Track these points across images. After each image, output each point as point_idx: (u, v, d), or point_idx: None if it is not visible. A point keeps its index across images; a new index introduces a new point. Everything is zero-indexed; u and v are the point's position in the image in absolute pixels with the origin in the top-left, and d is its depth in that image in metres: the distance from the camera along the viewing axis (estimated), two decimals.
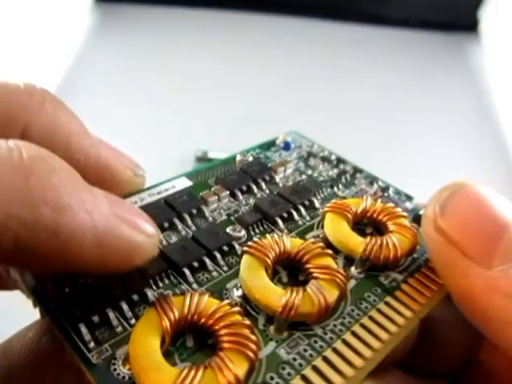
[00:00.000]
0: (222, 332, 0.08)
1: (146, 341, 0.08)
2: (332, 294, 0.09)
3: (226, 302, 0.09)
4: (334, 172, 0.14)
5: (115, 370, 0.08)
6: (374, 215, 0.11)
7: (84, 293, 0.09)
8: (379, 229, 0.11)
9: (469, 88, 0.43)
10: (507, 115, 0.40)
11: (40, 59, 0.46)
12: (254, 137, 0.38)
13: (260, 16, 0.50)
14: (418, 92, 0.43)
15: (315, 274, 0.10)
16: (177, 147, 0.36)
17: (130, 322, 0.09)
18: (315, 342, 0.09)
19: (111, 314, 0.09)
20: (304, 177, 0.13)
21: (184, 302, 0.09)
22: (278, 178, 0.13)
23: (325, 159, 0.14)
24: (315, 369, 0.08)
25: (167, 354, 0.08)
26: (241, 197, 0.12)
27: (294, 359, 0.08)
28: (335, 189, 0.13)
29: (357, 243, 0.10)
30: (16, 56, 0.46)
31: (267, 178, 0.13)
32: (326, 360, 0.09)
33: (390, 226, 0.11)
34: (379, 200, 0.12)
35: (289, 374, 0.08)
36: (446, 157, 0.39)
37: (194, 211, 0.11)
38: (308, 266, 0.10)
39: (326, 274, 0.09)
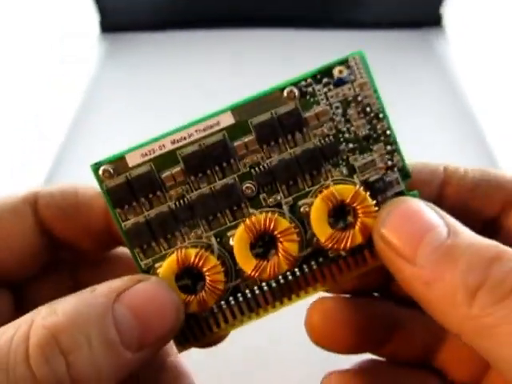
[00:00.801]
0: None
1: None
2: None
3: None
4: (362, 132, 0.15)
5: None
6: (351, 208, 0.15)
7: None
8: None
9: (438, 78, 0.47)
10: (476, 102, 0.45)
11: (50, 96, 0.46)
12: None
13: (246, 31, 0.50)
14: (391, 87, 0.35)
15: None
16: None
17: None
18: None
19: None
20: (332, 133, 0.15)
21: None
22: (308, 133, 0.15)
23: (364, 111, 0.15)
24: None
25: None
26: (267, 151, 0.15)
27: None
28: (350, 159, 0.15)
29: (321, 234, 0.15)
30: (25, 94, 0.46)
31: (298, 133, 0.14)
32: None
33: (357, 222, 0.15)
34: (367, 192, 0.14)
35: None
36: (420, 151, 0.36)
37: (224, 164, 0.14)
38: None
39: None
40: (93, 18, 0.52)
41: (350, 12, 0.51)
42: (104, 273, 0.16)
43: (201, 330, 0.15)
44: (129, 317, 0.13)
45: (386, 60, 0.47)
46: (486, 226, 0.16)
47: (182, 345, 0.15)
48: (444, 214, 0.13)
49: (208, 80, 0.47)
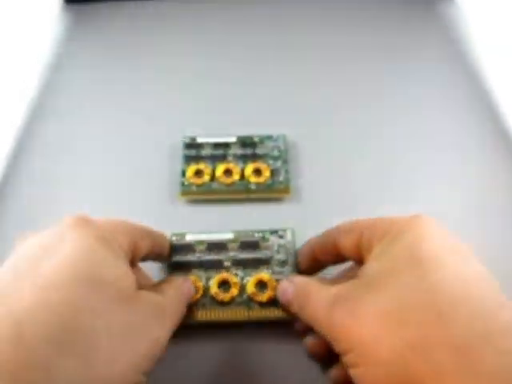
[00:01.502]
0: None
1: None
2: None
3: None
4: (281, 259, 0.34)
5: None
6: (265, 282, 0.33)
7: None
8: None
9: (448, 48, 0.45)
10: (490, 70, 0.43)
11: (7, 75, 0.43)
12: (240, 120, 0.42)
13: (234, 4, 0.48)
14: (397, 58, 0.45)
15: None
16: (165, 136, 0.40)
17: None
18: None
19: None
20: (267, 256, 0.34)
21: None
22: (258, 251, 0.34)
23: (287, 253, 0.35)
24: None
25: None
26: (240, 253, 0.34)
27: None
28: (272, 268, 0.34)
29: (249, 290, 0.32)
30: None
31: (257, 249, 0.35)
32: None
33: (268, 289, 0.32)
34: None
35: None
36: (428, 120, 0.41)
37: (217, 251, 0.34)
38: None
39: None
40: None
41: None
42: None
43: None
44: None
45: (387, 26, 0.47)
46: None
47: None
48: (292, 278, 0.30)
49: (180, 54, 0.46)
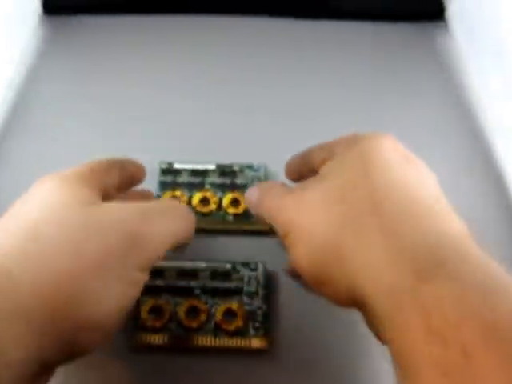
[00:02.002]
0: None
1: None
2: None
3: None
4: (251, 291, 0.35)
5: None
6: None
7: None
8: None
9: (440, 76, 0.44)
10: (480, 100, 0.42)
11: None
12: (220, 146, 0.41)
13: (219, 18, 0.47)
14: (389, 84, 0.44)
15: None
16: (141, 160, 0.32)
17: None
18: None
19: None
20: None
21: None
22: (229, 281, 0.35)
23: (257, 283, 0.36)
24: None
25: None
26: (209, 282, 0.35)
27: None
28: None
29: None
30: None
31: (227, 278, 0.35)
32: None
33: None
34: None
35: None
36: (420, 149, 0.34)
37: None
38: None
39: None
40: None
41: (338, 1, 0.48)
42: None
43: None
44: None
45: (379, 55, 0.47)
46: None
47: None
48: (260, 185, 0.31)
49: (161, 73, 0.44)
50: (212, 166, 0.39)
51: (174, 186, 0.38)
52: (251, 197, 0.30)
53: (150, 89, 0.43)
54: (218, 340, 0.32)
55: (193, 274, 0.34)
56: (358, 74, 0.45)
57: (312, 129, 0.40)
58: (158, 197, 0.37)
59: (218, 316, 0.33)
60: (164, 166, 0.39)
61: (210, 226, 0.37)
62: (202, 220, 0.37)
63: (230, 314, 0.33)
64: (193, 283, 0.34)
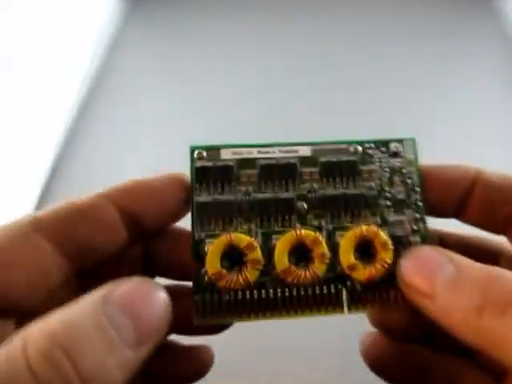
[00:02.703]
0: None
1: None
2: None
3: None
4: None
5: None
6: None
7: None
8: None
9: (500, 39, 0.44)
10: None
11: (62, 62, 0.42)
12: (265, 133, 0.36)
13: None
14: (450, 49, 0.44)
15: None
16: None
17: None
18: None
19: None
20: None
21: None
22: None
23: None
24: None
25: None
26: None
27: None
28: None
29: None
30: (37, 56, 0.40)
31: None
32: None
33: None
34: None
35: None
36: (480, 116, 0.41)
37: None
38: None
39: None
40: None
41: None
42: None
43: (219, 310, 0.17)
44: (121, 314, 0.14)
45: (443, 21, 0.47)
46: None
47: (201, 317, 0.17)
48: (447, 252, 0.16)
49: (240, 45, 0.45)
50: (304, 150, 0.19)
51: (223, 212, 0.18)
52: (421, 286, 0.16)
53: (228, 66, 0.43)
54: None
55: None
56: (425, 36, 0.45)
57: (366, 95, 0.41)
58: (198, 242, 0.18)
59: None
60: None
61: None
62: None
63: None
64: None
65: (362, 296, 0.18)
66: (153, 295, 0.15)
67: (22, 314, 0.16)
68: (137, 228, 0.18)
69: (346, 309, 0.18)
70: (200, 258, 0.17)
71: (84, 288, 0.15)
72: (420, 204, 0.19)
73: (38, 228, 0.16)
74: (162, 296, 0.15)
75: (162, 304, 0.15)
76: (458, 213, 0.19)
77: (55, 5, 0.43)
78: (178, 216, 0.19)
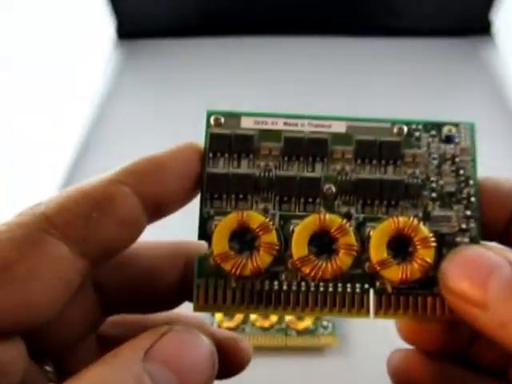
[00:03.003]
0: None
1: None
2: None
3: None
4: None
5: None
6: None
7: None
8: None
9: (488, 89, 0.45)
10: None
11: (62, 106, 0.43)
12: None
13: (275, 38, 0.48)
14: (437, 99, 0.45)
15: None
16: None
17: None
18: None
19: None
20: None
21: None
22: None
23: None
24: None
25: None
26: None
27: None
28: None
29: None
30: (37, 102, 0.42)
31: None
32: None
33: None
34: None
35: None
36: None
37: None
38: None
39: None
40: (109, 23, 0.49)
41: (385, 18, 0.49)
42: None
43: (223, 298, 0.15)
44: (164, 371, 0.12)
45: (427, 70, 0.47)
46: None
47: (201, 304, 0.15)
48: (505, 251, 0.13)
49: (232, 89, 0.45)
50: (339, 126, 0.16)
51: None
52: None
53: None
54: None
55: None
56: (409, 86, 0.46)
57: None
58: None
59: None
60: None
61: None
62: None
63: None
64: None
65: (392, 299, 0.15)
66: (198, 347, 0.13)
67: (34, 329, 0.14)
68: (157, 215, 0.15)
69: (372, 313, 0.15)
70: (206, 236, 0.15)
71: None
72: (473, 200, 0.15)
73: (51, 228, 0.13)
74: (208, 347, 0.13)
75: (209, 356, 0.13)
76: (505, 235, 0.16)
77: (52, 56, 0.45)
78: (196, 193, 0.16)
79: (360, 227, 0.15)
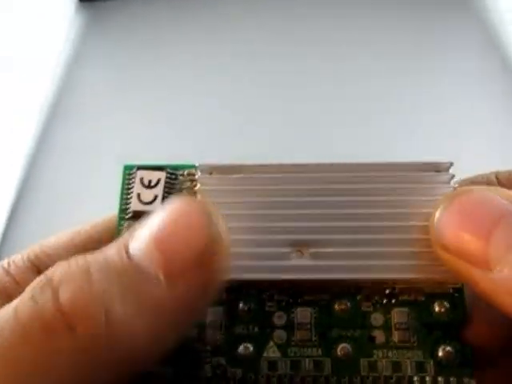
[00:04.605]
0: None
1: None
2: None
3: None
4: None
5: None
6: None
7: None
8: None
9: (478, 34, 0.44)
10: None
11: (22, 74, 0.42)
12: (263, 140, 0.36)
13: None
14: (428, 44, 0.43)
15: None
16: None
17: None
18: None
19: None
20: None
21: None
22: None
23: None
24: None
25: None
26: None
27: None
28: None
29: None
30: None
31: None
32: None
33: None
34: None
35: None
36: (461, 110, 0.39)
37: None
38: None
39: None
40: None
41: None
42: None
43: None
44: (149, 248, 0.10)
45: (421, 17, 0.46)
46: None
47: None
48: None
49: (200, 52, 0.43)
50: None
51: None
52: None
53: (189, 74, 0.42)
54: None
55: None
56: (401, 32, 0.44)
57: (350, 95, 0.40)
58: None
59: None
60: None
61: None
62: None
63: None
64: None
65: None
66: (195, 215, 0.10)
67: None
68: None
69: None
70: None
71: None
72: None
73: None
74: (208, 216, 0.10)
75: (206, 227, 0.10)
76: None
77: (13, 22, 0.44)
78: None
79: None
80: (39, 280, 0.10)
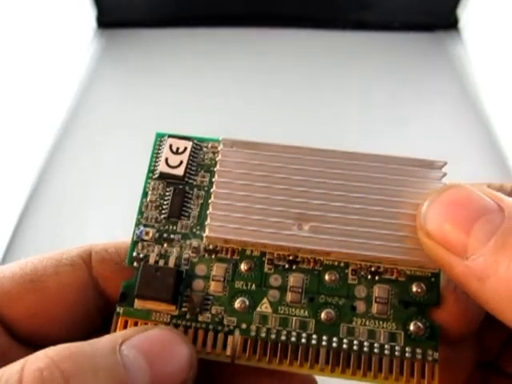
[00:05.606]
0: None
1: None
2: None
3: None
4: None
5: None
6: None
7: None
8: None
9: (453, 83, 0.47)
10: (492, 107, 0.44)
11: (42, 95, 0.43)
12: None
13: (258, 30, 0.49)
14: (403, 91, 0.46)
15: None
16: None
17: None
18: None
19: None
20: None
21: None
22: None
23: None
24: None
25: None
26: None
27: None
28: None
29: None
30: (16, 91, 0.42)
31: None
32: None
33: None
34: None
35: None
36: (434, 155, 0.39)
37: None
38: None
39: None
40: (89, 12, 0.49)
41: (357, 12, 0.50)
42: None
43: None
44: (138, 358, 0.12)
45: (397, 63, 0.49)
46: None
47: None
48: (496, 193, 0.12)
49: (210, 80, 0.45)
50: None
51: None
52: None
53: (199, 99, 0.44)
54: None
55: None
56: (376, 81, 0.47)
57: (335, 132, 0.42)
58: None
59: None
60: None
61: None
62: None
63: None
64: None
65: None
66: (177, 347, 0.13)
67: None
68: None
69: None
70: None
71: None
72: None
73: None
74: (187, 351, 0.13)
75: (186, 359, 0.13)
76: None
77: (33, 45, 0.45)
78: None
79: None
80: None
